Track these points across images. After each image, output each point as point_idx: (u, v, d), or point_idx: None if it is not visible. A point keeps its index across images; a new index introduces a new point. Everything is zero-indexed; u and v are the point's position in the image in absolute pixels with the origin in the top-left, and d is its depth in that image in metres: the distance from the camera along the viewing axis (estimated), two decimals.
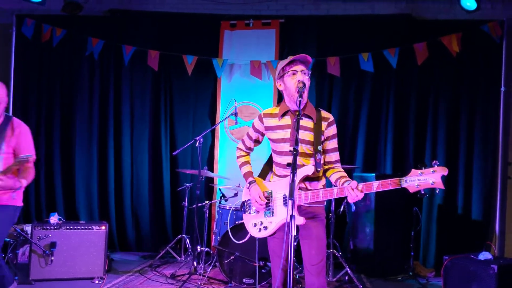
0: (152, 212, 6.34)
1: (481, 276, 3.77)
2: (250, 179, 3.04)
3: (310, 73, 2.89)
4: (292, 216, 2.39)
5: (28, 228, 4.82)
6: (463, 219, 5.74)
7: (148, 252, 6.18)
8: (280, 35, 6.22)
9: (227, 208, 5.24)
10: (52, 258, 4.67)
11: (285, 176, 2.90)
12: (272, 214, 2.88)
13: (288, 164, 2.68)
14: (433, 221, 5.80)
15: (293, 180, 2.46)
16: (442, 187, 2.41)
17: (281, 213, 2.83)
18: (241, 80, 6.34)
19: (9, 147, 3.45)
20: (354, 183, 2.60)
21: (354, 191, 2.58)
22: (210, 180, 6.17)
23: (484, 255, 3.95)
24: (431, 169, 2.42)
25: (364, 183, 2.59)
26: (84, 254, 4.79)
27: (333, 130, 2.92)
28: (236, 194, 5.37)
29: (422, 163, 2.51)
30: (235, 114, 5.19)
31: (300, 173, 2.76)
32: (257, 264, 4.28)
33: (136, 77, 6.41)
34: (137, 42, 6.24)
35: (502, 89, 5.70)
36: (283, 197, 2.85)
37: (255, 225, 2.95)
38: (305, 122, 2.87)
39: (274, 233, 2.89)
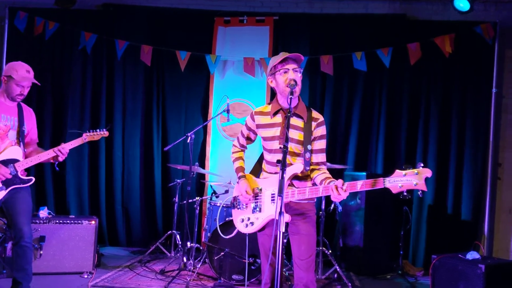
0: (142, 208, 6.33)
1: (468, 275, 3.79)
2: (240, 174, 3.08)
3: (301, 71, 2.90)
4: (281, 213, 2.40)
5: None
6: (452, 218, 5.78)
7: (138, 248, 6.17)
8: (274, 33, 6.22)
9: (218, 204, 5.23)
10: (41, 252, 4.66)
11: (275, 173, 2.91)
12: (260, 210, 2.90)
13: (278, 161, 2.69)
14: (423, 220, 5.84)
15: (282, 177, 2.47)
16: (425, 188, 2.40)
17: (268, 210, 2.85)
18: (234, 77, 6.33)
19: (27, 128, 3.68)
20: (339, 181, 2.59)
21: (338, 190, 2.56)
22: (202, 176, 6.16)
23: (472, 255, 3.98)
24: (415, 170, 2.41)
25: (348, 183, 2.59)
26: (73, 249, 4.78)
27: (321, 131, 2.92)
28: (227, 191, 5.36)
29: (408, 164, 2.50)
30: (228, 111, 5.18)
31: (290, 171, 2.78)
32: (246, 261, 4.29)
33: (129, 72, 6.39)
34: (130, 37, 6.21)
35: (494, 90, 5.74)
36: (271, 194, 2.86)
37: (243, 220, 2.97)
38: (295, 121, 2.88)
39: (263, 228, 2.91)
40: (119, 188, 6.33)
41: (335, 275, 4.94)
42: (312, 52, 6.03)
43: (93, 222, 4.90)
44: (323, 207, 5.07)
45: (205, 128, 6.26)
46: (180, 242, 5.53)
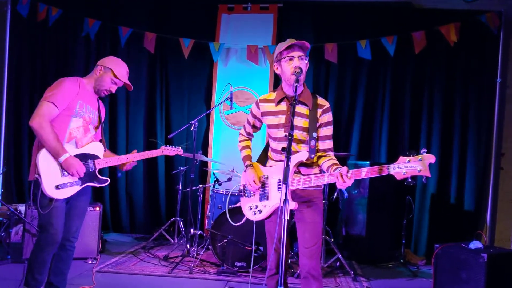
0: (146, 195, 6.37)
1: (471, 264, 3.80)
2: (247, 162, 3.07)
3: (307, 58, 2.88)
4: (285, 201, 2.40)
5: (22, 207, 4.83)
6: (455, 208, 5.79)
7: (142, 234, 6.21)
8: (278, 20, 6.18)
9: (221, 192, 5.25)
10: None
11: (281, 161, 2.92)
12: (267, 198, 2.90)
13: (283, 149, 2.69)
14: (426, 209, 5.85)
15: (287, 165, 2.47)
16: (429, 174, 2.40)
17: (275, 197, 2.86)
18: (237, 65, 6.31)
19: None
20: (344, 169, 2.59)
21: (343, 178, 2.56)
22: (204, 164, 6.18)
23: (475, 244, 3.99)
24: (418, 157, 2.40)
25: (353, 170, 2.59)
26: None
27: (327, 117, 2.90)
28: (230, 179, 5.38)
29: (412, 150, 2.50)
30: (231, 99, 5.17)
31: (295, 158, 2.78)
32: (253, 248, 4.32)
33: (132, 59, 6.35)
34: (133, 23, 6.19)
35: (498, 80, 5.71)
36: (278, 182, 2.87)
37: (251, 208, 2.98)
38: (300, 108, 2.87)
39: (270, 216, 2.92)
40: (123, 175, 6.35)
41: (338, 263, 4.97)
42: (316, 40, 6.00)
43: (97, 208, 4.92)
44: (326, 195, 5.08)
45: (208, 116, 6.26)
46: (183, 229, 5.56)
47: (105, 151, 3.38)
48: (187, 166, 5.67)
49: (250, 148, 3.18)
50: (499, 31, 5.69)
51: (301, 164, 2.83)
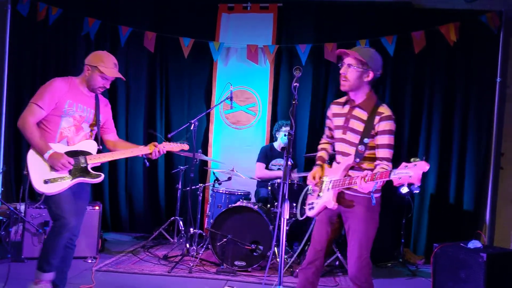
0: (146, 194, 6.37)
1: (470, 264, 3.81)
2: (317, 162, 3.18)
3: (355, 66, 2.91)
4: (284, 200, 2.42)
5: (21, 206, 4.83)
6: (454, 208, 5.79)
7: (141, 233, 6.21)
8: (277, 20, 6.17)
9: (221, 191, 5.26)
10: (45, 237, 4.68)
11: (338, 163, 3.00)
12: (320, 196, 3.00)
13: (283, 149, 2.71)
14: (425, 209, 5.85)
15: (286, 164, 2.49)
16: (417, 182, 2.36)
17: (324, 196, 2.94)
18: (238, 64, 6.31)
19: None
20: (365, 173, 2.65)
21: (360, 181, 2.62)
22: (204, 163, 6.18)
23: (474, 244, 4.00)
24: (414, 163, 2.39)
25: (370, 173, 2.64)
26: None
27: (384, 125, 2.85)
28: (229, 178, 5.38)
29: (415, 158, 2.46)
30: (231, 99, 5.18)
31: (344, 162, 2.88)
32: (272, 248, 4.32)
33: (132, 58, 6.38)
34: (133, 23, 6.18)
35: (498, 79, 5.70)
36: (329, 182, 2.96)
37: (310, 204, 3.09)
38: (359, 112, 2.92)
39: (319, 213, 3.02)
40: (123, 174, 6.36)
41: (337, 263, 4.98)
42: (316, 40, 5.99)
43: (97, 207, 4.93)
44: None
45: (208, 116, 6.26)
46: (183, 228, 5.56)
47: (99, 147, 3.41)
48: (187, 165, 5.67)
49: (325, 150, 3.25)
50: (499, 31, 5.68)
51: (351, 167, 2.88)
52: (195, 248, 4.94)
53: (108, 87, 3.38)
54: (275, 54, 6.06)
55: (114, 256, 5.06)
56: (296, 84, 2.74)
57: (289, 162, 2.67)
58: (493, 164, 5.74)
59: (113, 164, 6.29)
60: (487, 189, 5.76)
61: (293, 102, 2.71)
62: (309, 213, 3.07)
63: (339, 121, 3.00)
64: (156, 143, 3.47)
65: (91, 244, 4.83)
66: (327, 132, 3.27)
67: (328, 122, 3.21)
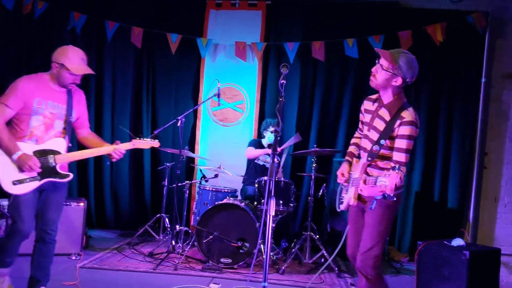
0: (131, 190, 6.33)
1: (453, 261, 3.85)
2: (345, 158, 3.24)
3: (386, 69, 2.91)
4: (270, 196, 2.42)
5: (4, 202, 4.76)
6: (438, 206, 5.85)
7: (127, 230, 6.15)
8: (266, 17, 6.17)
9: (208, 188, 5.25)
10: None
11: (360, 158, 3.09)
12: (347, 191, 3.07)
13: (269, 146, 2.71)
14: (410, 207, 5.90)
15: (273, 161, 2.49)
16: (389, 191, 2.44)
17: (350, 192, 3.02)
18: (225, 61, 6.29)
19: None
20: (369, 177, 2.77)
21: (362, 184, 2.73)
22: (191, 160, 6.16)
23: (457, 242, 4.04)
24: (391, 171, 2.48)
25: (367, 178, 2.75)
26: (61, 230, 4.62)
27: (404, 130, 2.84)
28: (216, 175, 5.37)
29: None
30: (218, 95, 5.16)
31: (361, 160, 2.99)
32: (261, 244, 4.32)
33: (119, 54, 6.33)
34: (120, 18, 6.13)
35: (483, 80, 5.77)
36: (352, 179, 3.04)
37: (340, 199, 3.17)
38: (383, 112, 2.95)
39: (348, 207, 3.10)
40: (108, 171, 6.30)
41: (322, 260, 4.99)
42: (304, 38, 6.00)
43: (81, 204, 4.89)
44: (311, 192, 5.10)
45: (195, 112, 6.24)
46: (168, 225, 5.54)
47: (69, 145, 3.37)
48: (173, 162, 5.65)
49: (356, 146, 3.27)
50: (485, 32, 5.75)
51: (369, 165, 2.95)
52: (180, 245, 4.93)
53: (78, 82, 3.33)
54: (263, 52, 6.05)
55: (98, 253, 5.02)
56: (283, 81, 2.73)
57: (275, 160, 2.67)
58: (477, 163, 5.81)
59: (98, 160, 6.24)
60: (471, 188, 5.83)
61: (280, 99, 2.71)
62: (340, 206, 3.16)
63: (367, 118, 3.07)
64: (116, 144, 3.44)
65: (75, 241, 4.79)
66: (360, 126, 3.30)
67: (361, 116, 3.25)
